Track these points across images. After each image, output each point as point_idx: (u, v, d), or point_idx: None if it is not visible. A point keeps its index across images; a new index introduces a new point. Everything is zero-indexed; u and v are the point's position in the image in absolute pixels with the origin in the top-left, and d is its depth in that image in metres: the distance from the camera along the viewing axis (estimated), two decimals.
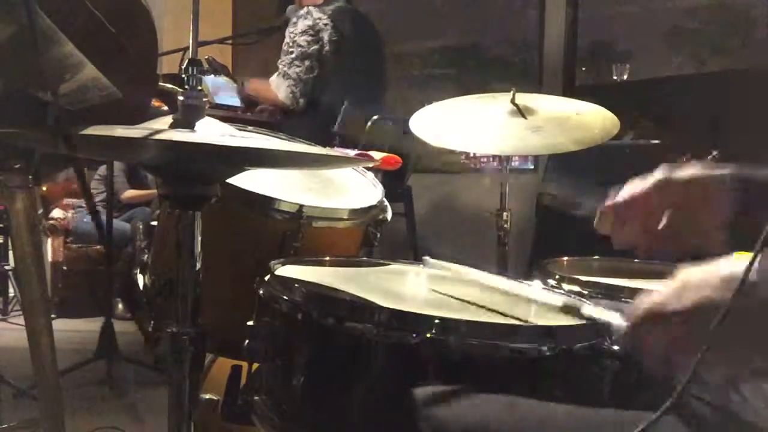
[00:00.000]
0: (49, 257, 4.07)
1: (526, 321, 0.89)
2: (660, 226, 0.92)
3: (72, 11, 1.07)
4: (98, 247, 4.06)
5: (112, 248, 3.39)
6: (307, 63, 2.90)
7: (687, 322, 0.64)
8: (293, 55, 2.90)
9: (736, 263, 0.65)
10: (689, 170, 0.92)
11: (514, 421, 0.69)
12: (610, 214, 0.97)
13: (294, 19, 2.94)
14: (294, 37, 2.90)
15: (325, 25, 2.90)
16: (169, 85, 2.22)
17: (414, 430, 0.70)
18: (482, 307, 0.95)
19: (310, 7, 2.95)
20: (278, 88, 2.93)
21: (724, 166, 0.90)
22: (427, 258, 1.15)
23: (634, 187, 0.95)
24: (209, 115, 0.96)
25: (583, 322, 0.84)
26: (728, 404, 0.79)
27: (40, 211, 3.87)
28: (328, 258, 1.17)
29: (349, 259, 1.23)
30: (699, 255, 0.80)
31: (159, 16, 3.91)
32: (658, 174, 0.93)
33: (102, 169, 4.26)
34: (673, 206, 0.92)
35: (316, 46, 2.89)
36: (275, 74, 2.96)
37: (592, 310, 0.81)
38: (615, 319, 0.75)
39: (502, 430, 0.69)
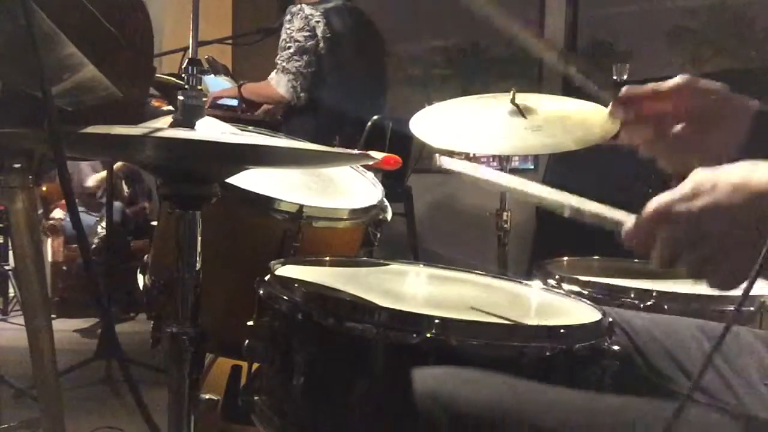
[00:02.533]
0: (49, 257, 4.07)
1: (527, 321, 0.89)
2: (674, 130, 0.90)
3: (70, 10, 1.07)
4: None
5: (110, 248, 3.39)
6: (305, 58, 2.90)
7: (693, 224, 0.64)
8: (291, 50, 2.90)
9: (750, 168, 0.64)
10: (715, 83, 0.91)
11: (518, 404, 0.69)
12: (627, 102, 0.95)
13: (289, 17, 2.94)
14: (291, 33, 2.90)
15: (317, 22, 2.90)
16: (165, 76, 2.22)
17: (414, 430, 0.70)
18: (483, 307, 0.95)
19: (303, 5, 2.95)
20: (278, 84, 2.92)
21: (750, 99, 0.89)
22: (437, 156, 1.06)
23: (658, 84, 0.92)
24: (209, 115, 0.96)
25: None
26: (724, 404, 0.79)
27: (40, 211, 3.88)
28: (328, 258, 1.17)
29: (349, 259, 1.23)
30: None
31: (159, 16, 3.92)
32: (685, 76, 0.91)
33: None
34: (693, 111, 0.91)
35: (312, 42, 2.89)
36: (273, 72, 2.96)
37: (600, 208, 0.78)
38: (623, 216, 0.72)
39: (506, 413, 0.68)
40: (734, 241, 0.62)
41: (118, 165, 4.06)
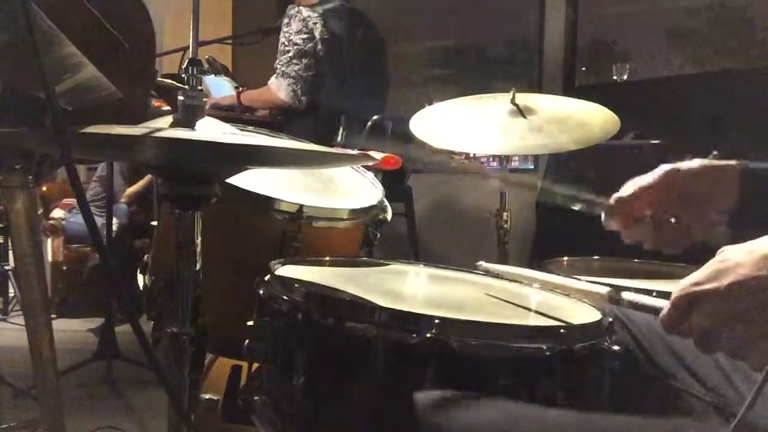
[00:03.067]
0: (49, 257, 4.07)
1: (527, 321, 0.89)
2: (672, 220, 0.92)
3: (70, 10, 1.07)
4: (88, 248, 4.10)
5: (110, 248, 3.39)
6: (305, 61, 2.90)
7: (722, 302, 0.63)
8: (290, 54, 2.90)
9: None
10: (694, 162, 0.92)
11: (510, 427, 0.69)
12: (618, 209, 0.97)
13: (287, 20, 2.94)
14: (289, 36, 2.90)
15: (315, 24, 2.90)
16: (167, 80, 2.22)
17: (414, 430, 0.70)
18: (483, 307, 0.95)
19: (300, 7, 2.95)
20: (279, 88, 2.92)
21: (726, 160, 0.91)
22: (481, 263, 1.11)
23: (640, 180, 0.95)
24: (209, 115, 0.96)
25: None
26: (725, 399, 0.79)
27: (40, 211, 3.87)
28: (328, 258, 1.17)
29: (349, 259, 1.23)
30: (705, 249, 0.80)
31: (159, 16, 3.91)
32: (665, 167, 0.93)
33: (101, 169, 4.28)
34: (682, 198, 0.92)
35: (311, 44, 2.89)
36: (273, 77, 2.96)
37: (633, 296, 0.78)
38: (658, 302, 0.72)
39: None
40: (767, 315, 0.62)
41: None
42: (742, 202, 0.89)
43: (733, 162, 0.91)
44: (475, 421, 0.68)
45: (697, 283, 0.65)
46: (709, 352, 0.66)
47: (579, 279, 1.04)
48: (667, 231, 0.95)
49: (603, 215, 1.00)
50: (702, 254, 0.72)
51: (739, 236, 0.84)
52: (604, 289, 0.83)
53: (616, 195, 0.97)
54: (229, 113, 3.12)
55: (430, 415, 0.69)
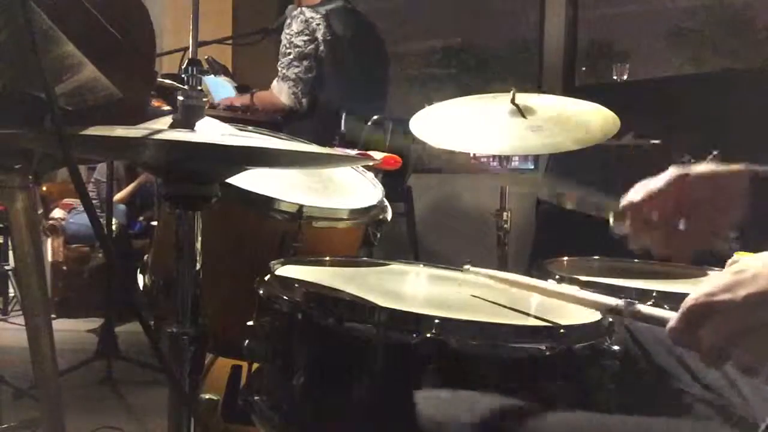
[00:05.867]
0: (49, 257, 4.07)
1: (527, 321, 0.89)
2: (681, 226, 0.90)
3: (70, 10, 1.07)
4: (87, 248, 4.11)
5: (111, 248, 3.39)
6: (305, 63, 2.89)
7: (738, 314, 0.60)
8: (291, 56, 2.89)
9: None
10: (705, 167, 0.91)
11: (507, 423, 0.69)
12: (628, 214, 0.95)
13: (288, 20, 2.93)
14: (290, 38, 2.90)
15: (318, 25, 2.89)
16: (167, 81, 2.22)
17: (413, 430, 0.70)
18: (483, 307, 0.94)
19: (303, 8, 2.94)
20: (280, 92, 2.92)
21: (734, 164, 0.90)
22: (468, 266, 1.12)
23: (650, 184, 0.93)
24: (209, 115, 0.96)
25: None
26: (728, 403, 0.79)
27: (40, 211, 3.88)
28: (328, 258, 1.17)
29: (349, 259, 1.23)
30: (713, 255, 0.79)
31: (159, 16, 3.92)
32: (675, 171, 0.91)
33: (97, 172, 4.28)
34: (694, 202, 0.91)
35: (312, 46, 2.89)
36: (275, 80, 2.96)
37: (642, 308, 0.75)
38: (667, 314, 0.69)
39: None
40: None
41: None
42: (754, 208, 0.88)
43: (741, 166, 0.89)
44: (474, 421, 0.68)
45: (711, 294, 0.62)
46: (717, 366, 0.63)
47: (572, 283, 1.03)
48: (676, 237, 0.93)
49: (611, 220, 0.98)
50: (707, 259, 0.71)
51: (750, 243, 0.83)
52: (613, 302, 0.78)
53: (626, 199, 0.96)
54: (228, 113, 3.11)
55: (429, 414, 0.69)
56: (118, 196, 4.23)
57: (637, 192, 0.94)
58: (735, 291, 0.60)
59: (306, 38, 2.88)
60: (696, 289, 0.64)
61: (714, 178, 0.90)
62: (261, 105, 3.11)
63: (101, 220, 4.06)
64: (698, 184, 0.90)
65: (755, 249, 0.63)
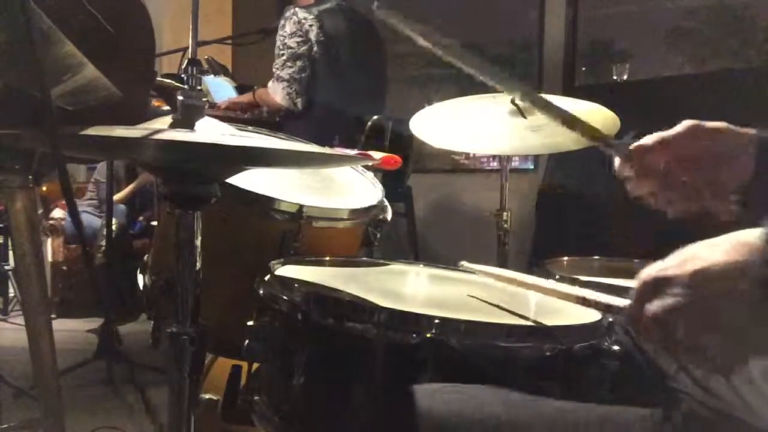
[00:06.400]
0: (49, 257, 4.07)
1: (527, 321, 0.89)
2: (683, 178, 0.90)
3: (70, 10, 1.07)
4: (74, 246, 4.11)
5: (112, 247, 3.40)
6: (299, 63, 2.89)
7: (689, 287, 0.60)
8: (284, 57, 2.90)
9: (743, 233, 0.61)
10: (717, 123, 0.90)
11: (508, 416, 0.69)
12: (636, 156, 0.95)
13: (282, 22, 2.93)
14: (284, 39, 2.90)
15: (311, 26, 2.89)
16: (167, 80, 2.22)
17: (413, 430, 0.70)
18: (483, 307, 0.94)
19: (296, 9, 2.94)
20: (275, 92, 2.93)
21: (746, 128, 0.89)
22: (463, 263, 1.12)
23: (662, 133, 0.93)
24: (228, 115, 0.96)
25: (586, 320, 0.84)
26: (728, 407, 0.79)
27: (40, 211, 3.87)
28: (328, 258, 1.17)
29: (349, 259, 1.23)
30: (709, 222, 0.79)
31: (159, 16, 3.91)
32: (689, 121, 0.91)
33: (97, 172, 4.28)
34: (701, 156, 0.90)
35: (305, 47, 2.89)
36: (271, 81, 2.97)
37: (598, 295, 0.75)
38: (621, 301, 0.70)
39: (498, 424, 0.68)
40: (731, 305, 0.58)
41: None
42: (757, 172, 0.87)
43: (752, 130, 0.89)
44: (475, 420, 0.68)
45: (663, 269, 0.62)
46: (666, 344, 0.62)
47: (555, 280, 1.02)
48: (677, 191, 0.93)
49: (617, 160, 0.97)
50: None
51: (750, 209, 0.83)
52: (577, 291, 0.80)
53: (636, 143, 0.95)
54: (228, 113, 3.12)
55: (429, 414, 0.69)
56: (118, 196, 4.23)
57: (649, 138, 0.94)
58: (684, 266, 0.61)
59: (299, 39, 2.88)
60: (650, 266, 0.64)
61: (724, 133, 0.90)
62: (262, 101, 3.12)
63: (101, 220, 4.07)
64: (708, 136, 0.90)
65: (754, 215, 0.63)
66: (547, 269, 1.40)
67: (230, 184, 1.11)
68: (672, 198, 0.94)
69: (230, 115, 3.11)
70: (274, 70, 2.94)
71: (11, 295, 4.07)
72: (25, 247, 1.34)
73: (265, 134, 1.45)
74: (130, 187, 4.29)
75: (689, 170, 0.92)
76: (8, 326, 3.71)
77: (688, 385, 0.84)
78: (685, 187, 0.92)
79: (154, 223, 1.51)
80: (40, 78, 0.68)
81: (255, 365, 0.92)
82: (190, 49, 0.97)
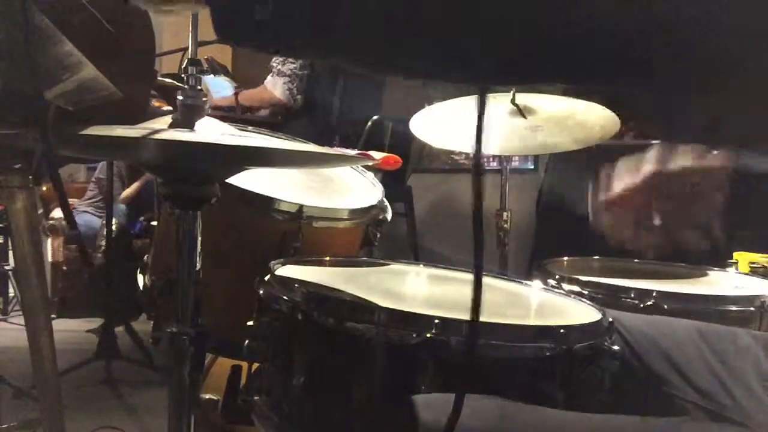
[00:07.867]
0: (49, 257, 4.07)
1: (526, 321, 0.89)
2: (656, 222, 0.91)
3: (69, 9, 1.06)
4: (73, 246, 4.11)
5: (112, 247, 3.40)
6: (300, 60, 2.90)
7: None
8: None
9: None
10: (681, 160, 0.91)
11: (506, 426, 0.69)
12: (604, 211, 0.96)
13: None
14: None
15: None
16: (167, 80, 2.22)
17: (413, 430, 0.70)
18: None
19: None
20: (274, 87, 2.94)
21: (716, 154, 0.90)
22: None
23: (627, 180, 0.94)
24: (209, 115, 0.96)
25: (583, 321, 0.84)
26: (721, 407, 0.79)
27: (40, 211, 3.87)
28: (328, 258, 1.17)
29: (349, 259, 1.23)
30: (701, 247, 0.79)
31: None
32: (649, 165, 0.92)
33: (99, 171, 4.28)
34: (666, 199, 0.91)
35: None
36: (269, 75, 2.97)
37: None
38: None
39: None
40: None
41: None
42: (734, 201, 0.88)
43: (718, 162, 0.90)
44: (474, 420, 0.68)
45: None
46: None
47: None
48: (651, 233, 0.94)
49: (590, 216, 0.99)
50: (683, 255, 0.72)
51: (729, 238, 0.84)
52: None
53: (603, 197, 0.96)
54: (229, 114, 3.12)
55: (429, 414, 0.69)
56: (124, 194, 4.24)
57: (615, 186, 0.95)
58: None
59: None
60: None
61: (688, 174, 0.90)
62: (248, 103, 3.12)
63: (101, 220, 4.07)
64: (675, 177, 0.91)
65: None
66: (547, 269, 1.40)
67: (230, 184, 1.11)
68: (646, 240, 0.95)
69: (231, 115, 3.11)
70: (273, 64, 2.95)
71: (11, 295, 4.06)
72: (25, 247, 1.34)
73: (265, 134, 1.45)
74: (136, 184, 4.28)
75: (658, 213, 0.93)
76: (8, 326, 3.71)
77: (681, 387, 0.84)
78: (657, 229, 0.93)
79: (154, 223, 1.51)
80: (33, 77, 0.68)
81: (255, 365, 0.92)
82: (190, 49, 0.97)
